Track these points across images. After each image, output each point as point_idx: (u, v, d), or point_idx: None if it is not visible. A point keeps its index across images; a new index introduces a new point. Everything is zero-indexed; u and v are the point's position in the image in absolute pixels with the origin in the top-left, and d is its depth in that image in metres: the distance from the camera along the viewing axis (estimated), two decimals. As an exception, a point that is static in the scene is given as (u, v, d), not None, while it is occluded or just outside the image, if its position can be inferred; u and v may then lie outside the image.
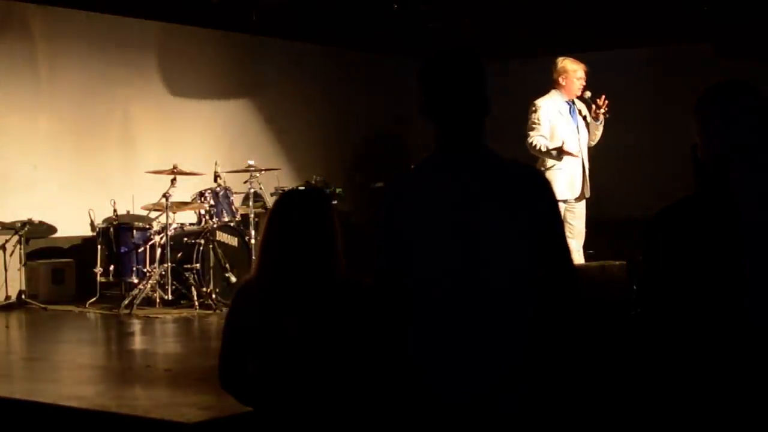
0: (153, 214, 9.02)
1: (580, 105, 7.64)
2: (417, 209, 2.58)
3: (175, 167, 8.76)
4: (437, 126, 2.64)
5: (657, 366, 2.73)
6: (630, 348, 2.78)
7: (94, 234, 8.98)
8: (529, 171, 2.71)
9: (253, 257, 7.93)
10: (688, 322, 2.64)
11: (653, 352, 2.75)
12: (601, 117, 7.52)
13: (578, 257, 7.34)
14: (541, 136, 7.37)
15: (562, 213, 7.27)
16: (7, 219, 8.90)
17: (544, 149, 7.35)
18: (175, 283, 8.52)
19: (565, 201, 7.30)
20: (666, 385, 2.70)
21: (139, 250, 8.74)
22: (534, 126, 7.42)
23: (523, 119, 7.58)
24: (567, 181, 7.39)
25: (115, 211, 8.99)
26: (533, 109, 7.46)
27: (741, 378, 2.57)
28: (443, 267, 2.54)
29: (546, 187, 2.64)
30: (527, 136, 7.43)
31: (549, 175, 7.23)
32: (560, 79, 7.46)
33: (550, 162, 7.38)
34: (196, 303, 8.40)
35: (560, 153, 7.36)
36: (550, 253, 2.58)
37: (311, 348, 3.05)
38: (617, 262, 8.38)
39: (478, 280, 2.52)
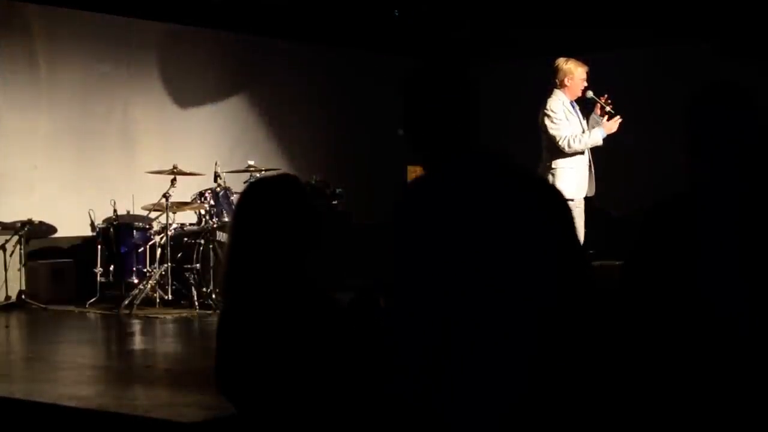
0: (153, 214, 9.03)
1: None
2: (442, 218, 2.47)
3: (175, 167, 8.76)
4: (434, 135, 2.64)
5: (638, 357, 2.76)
6: (628, 347, 2.79)
7: (94, 234, 8.98)
8: (550, 187, 2.70)
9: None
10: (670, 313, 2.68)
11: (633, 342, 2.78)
12: (607, 116, 7.52)
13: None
14: (573, 133, 7.30)
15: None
16: (7, 219, 8.91)
17: (583, 140, 7.28)
18: (175, 283, 8.53)
19: (572, 200, 7.26)
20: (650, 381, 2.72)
21: (139, 250, 8.75)
22: (559, 124, 7.29)
23: (523, 120, 7.54)
24: (577, 180, 7.33)
25: (115, 211, 8.99)
26: (553, 110, 7.34)
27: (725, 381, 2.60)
28: (464, 280, 2.42)
29: (566, 206, 2.60)
30: (555, 140, 7.22)
31: (560, 174, 7.21)
32: (566, 80, 7.43)
33: (560, 162, 7.30)
34: (196, 303, 8.41)
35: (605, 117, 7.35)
36: (571, 266, 2.52)
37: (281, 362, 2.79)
38: (617, 262, 8.40)
39: (498, 295, 2.42)
